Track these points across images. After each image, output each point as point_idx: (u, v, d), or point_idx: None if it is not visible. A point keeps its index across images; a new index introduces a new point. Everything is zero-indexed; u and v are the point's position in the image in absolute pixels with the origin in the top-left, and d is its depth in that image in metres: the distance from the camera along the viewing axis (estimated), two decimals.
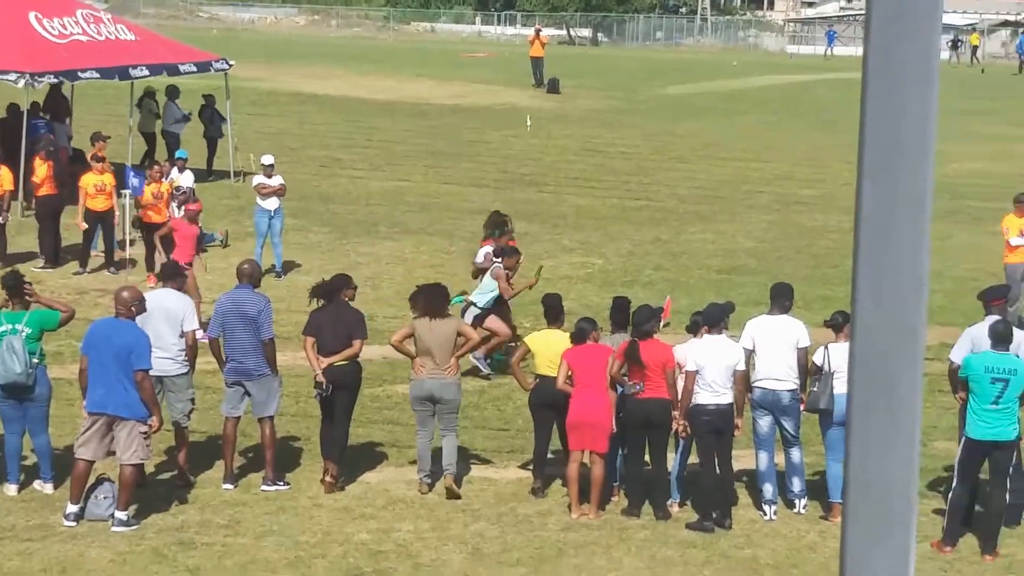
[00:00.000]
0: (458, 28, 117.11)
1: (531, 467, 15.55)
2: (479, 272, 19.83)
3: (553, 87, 59.24)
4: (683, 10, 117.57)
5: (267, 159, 25.27)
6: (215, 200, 30.58)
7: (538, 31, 64.47)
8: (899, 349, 2.68)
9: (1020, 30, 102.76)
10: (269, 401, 15.21)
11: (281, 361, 16.04)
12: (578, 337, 14.77)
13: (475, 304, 19.10)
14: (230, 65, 34.91)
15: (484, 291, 19.23)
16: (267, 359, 15.10)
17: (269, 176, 24.83)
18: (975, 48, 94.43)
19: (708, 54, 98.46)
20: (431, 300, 15.27)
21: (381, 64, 70.23)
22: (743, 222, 31.36)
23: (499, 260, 19.44)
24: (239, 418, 15.31)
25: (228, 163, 33.92)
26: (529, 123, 46.42)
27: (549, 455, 15.40)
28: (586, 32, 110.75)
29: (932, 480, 15.51)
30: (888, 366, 2.69)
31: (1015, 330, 14.59)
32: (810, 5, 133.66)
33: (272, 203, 24.63)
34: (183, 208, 22.12)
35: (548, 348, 15.11)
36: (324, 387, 15.12)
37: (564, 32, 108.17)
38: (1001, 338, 13.96)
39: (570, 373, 14.59)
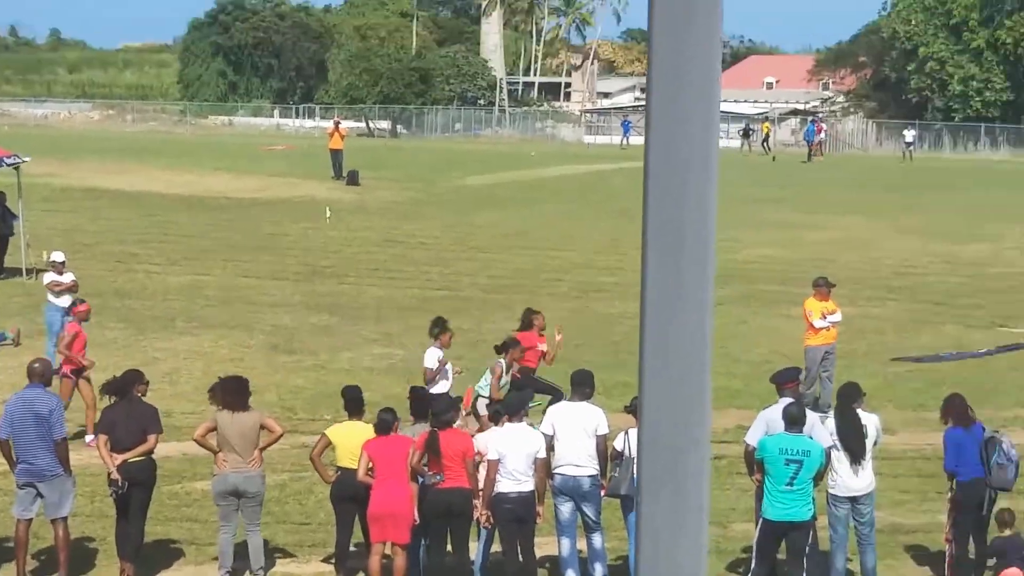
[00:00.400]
0: (256, 121, 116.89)
1: (333, 561, 15.38)
2: (432, 376, 19.46)
3: (352, 179, 59.28)
4: (481, 102, 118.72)
5: (57, 256, 24.81)
6: (6, 298, 29.95)
7: (337, 123, 64.57)
8: (685, 432, 2.70)
9: (809, 118, 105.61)
10: (62, 502, 14.83)
11: (74, 460, 15.67)
12: (382, 428, 14.67)
13: (481, 395, 18.99)
14: (23, 161, 34.32)
15: (486, 383, 19.10)
16: (59, 459, 14.75)
17: (61, 273, 24.36)
18: (766, 136, 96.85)
19: (507, 145, 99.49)
20: (231, 393, 15.07)
21: (178, 158, 69.66)
22: (543, 310, 31.46)
23: (503, 355, 19.36)
24: (31, 520, 14.91)
25: (20, 260, 33.24)
26: (329, 215, 46.33)
27: (351, 548, 15.25)
28: (385, 124, 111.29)
29: (731, 561, 15.67)
30: (675, 449, 2.70)
31: (808, 412, 14.88)
32: (606, 96, 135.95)
33: (65, 300, 24.13)
34: (73, 312, 20.90)
35: (349, 440, 14.99)
36: (119, 484, 14.82)
37: (363, 124, 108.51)
38: (794, 420, 14.21)
39: (371, 465, 14.49)
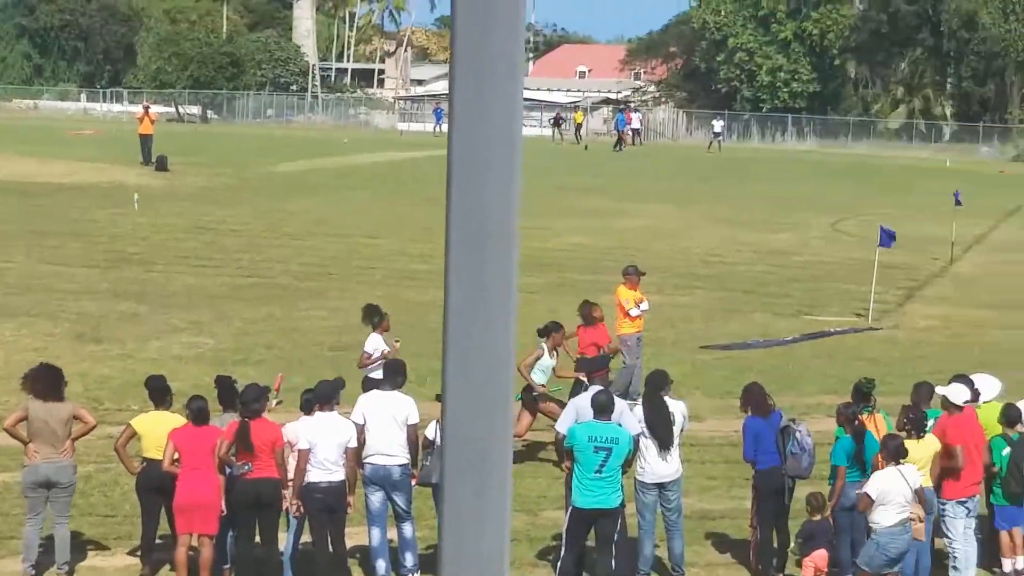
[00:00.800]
0: (63, 105, 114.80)
1: (139, 553, 15.13)
2: (369, 361, 19.06)
3: (162, 165, 58.49)
4: (294, 87, 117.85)
5: None
6: None
7: (147, 108, 63.62)
8: (489, 422, 2.68)
9: (620, 107, 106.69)
10: None
11: None
12: (200, 416, 14.42)
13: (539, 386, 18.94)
14: None
15: (542, 372, 19.05)
16: None
17: None
18: (579, 126, 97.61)
19: (319, 131, 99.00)
20: (44, 381, 14.76)
21: None
22: (356, 298, 31.35)
23: (545, 339, 19.18)
24: None
25: None
26: (137, 201, 45.62)
27: (158, 540, 15.01)
28: (195, 109, 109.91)
29: (542, 549, 15.74)
30: (479, 438, 2.68)
31: (616, 399, 14.99)
32: (419, 83, 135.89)
33: None
34: None
35: (155, 430, 14.74)
36: None
37: (173, 109, 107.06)
38: (602, 408, 14.31)
39: (177, 455, 14.28)
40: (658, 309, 28.62)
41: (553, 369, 19.37)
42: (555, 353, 19.40)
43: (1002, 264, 40.38)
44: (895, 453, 14.02)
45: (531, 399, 18.99)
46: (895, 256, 33.43)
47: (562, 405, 17.96)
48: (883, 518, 13.86)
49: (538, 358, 19.17)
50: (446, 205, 2.66)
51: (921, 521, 14.40)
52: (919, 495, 14.08)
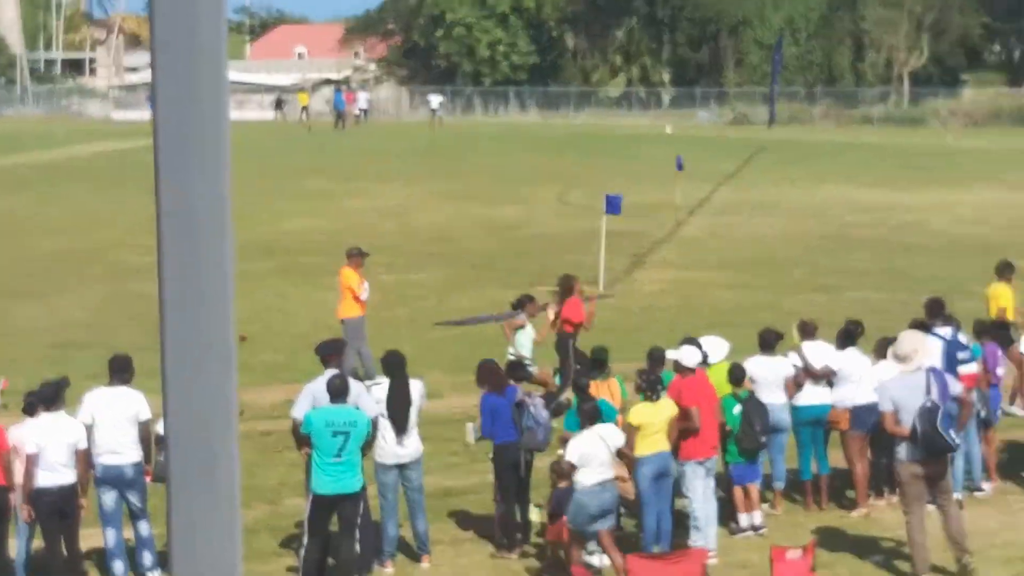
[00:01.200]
0: None
1: None
2: None
3: None
4: (1, 80, 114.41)
5: None
6: None
7: None
8: (212, 414, 2.54)
9: (338, 86, 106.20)
10: None
11: None
12: None
13: (524, 357, 19.51)
14: None
15: (527, 346, 19.78)
16: None
17: None
18: (304, 107, 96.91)
19: (30, 124, 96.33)
20: None
21: None
22: (74, 295, 30.58)
23: (522, 312, 19.97)
24: None
25: None
26: None
27: None
28: None
29: (285, 537, 15.50)
30: (203, 434, 2.54)
31: (352, 382, 14.81)
32: (134, 71, 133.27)
33: None
34: None
35: None
36: None
37: None
38: (338, 392, 14.14)
39: None
40: (390, 288, 28.56)
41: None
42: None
43: (724, 227, 41.32)
44: (590, 416, 14.38)
45: (525, 372, 19.05)
46: (622, 223, 33.84)
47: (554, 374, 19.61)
48: (584, 478, 14.16)
49: (519, 327, 20.10)
50: (155, 193, 2.52)
51: (626, 480, 14.69)
52: (623, 455, 14.38)
